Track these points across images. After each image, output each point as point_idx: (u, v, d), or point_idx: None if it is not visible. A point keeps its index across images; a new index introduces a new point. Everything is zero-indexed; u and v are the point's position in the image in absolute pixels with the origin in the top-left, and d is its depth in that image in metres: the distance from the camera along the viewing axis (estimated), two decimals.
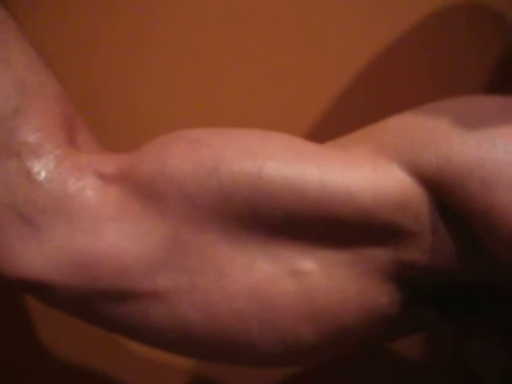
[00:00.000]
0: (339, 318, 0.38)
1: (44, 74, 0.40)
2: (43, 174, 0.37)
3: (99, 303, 0.38)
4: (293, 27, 0.55)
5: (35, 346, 0.60)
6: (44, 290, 0.38)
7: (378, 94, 0.55)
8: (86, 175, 0.38)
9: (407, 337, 0.42)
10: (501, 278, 0.37)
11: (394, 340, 0.42)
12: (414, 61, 0.55)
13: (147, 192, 0.37)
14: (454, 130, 0.36)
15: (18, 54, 0.39)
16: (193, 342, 0.39)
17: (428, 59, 0.55)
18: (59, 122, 0.39)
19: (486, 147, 0.35)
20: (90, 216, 0.37)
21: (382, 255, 0.37)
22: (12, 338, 0.60)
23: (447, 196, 0.36)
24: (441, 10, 0.54)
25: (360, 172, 0.37)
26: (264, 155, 0.37)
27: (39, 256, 0.37)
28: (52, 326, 0.60)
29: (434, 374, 0.58)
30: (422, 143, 0.36)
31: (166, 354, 0.59)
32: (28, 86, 0.38)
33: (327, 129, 0.41)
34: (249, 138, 0.38)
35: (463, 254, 0.37)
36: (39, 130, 0.38)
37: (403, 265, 0.37)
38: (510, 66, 0.55)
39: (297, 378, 0.60)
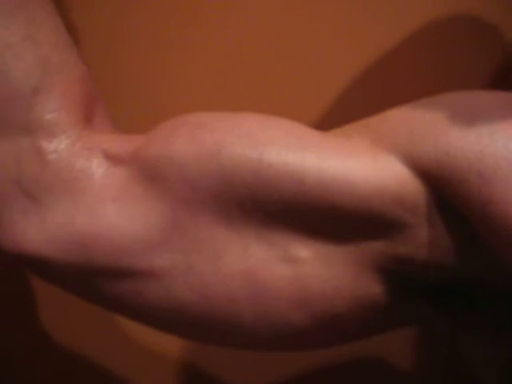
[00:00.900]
0: (331, 305, 0.38)
1: (70, 54, 0.40)
2: (53, 153, 0.38)
3: (96, 281, 0.38)
4: (296, 27, 0.56)
5: (35, 335, 0.61)
6: (43, 266, 0.38)
7: (377, 96, 0.55)
8: (94, 156, 0.38)
9: (405, 338, 0.42)
10: (497, 272, 0.37)
11: (386, 331, 0.42)
12: (413, 62, 0.55)
13: (150, 174, 0.37)
14: (452, 124, 0.36)
15: (47, 31, 0.39)
16: (186, 322, 0.39)
17: (428, 61, 0.55)
18: (78, 102, 0.39)
19: (485, 141, 0.35)
20: (92, 196, 0.37)
21: (377, 246, 0.37)
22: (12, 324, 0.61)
23: (445, 189, 0.36)
24: (442, 13, 0.54)
25: (359, 162, 0.37)
26: (265, 140, 0.37)
27: (40, 232, 0.37)
28: (51, 315, 0.60)
29: (430, 374, 0.58)
30: (420, 136, 0.36)
31: (168, 346, 0.59)
32: (52, 64, 0.38)
33: (327, 128, 0.41)
34: (252, 123, 0.38)
35: (460, 248, 0.37)
36: (56, 109, 0.38)
37: (399, 257, 0.37)
38: (508, 74, 0.55)
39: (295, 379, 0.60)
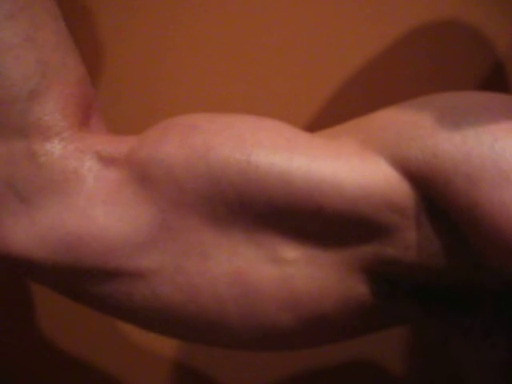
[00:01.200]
0: (318, 305, 0.38)
1: (70, 56, 0.40)
2: (46, 156, 0.38)
3: (85, 282, 0.38)
4: (289, 28, 0.56)
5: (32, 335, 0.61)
6: (31, 267, 0.38)
7: (369, 97, 0.55)
8: (86, 158, 0.38)
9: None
10: (485, 274, 0.37)
11: (375, 331, 0.42)
12: (405, 64, 0.56)
13: (141, 176, 0.38)
14: (439, 125, 0.36)
15: (48, 33, 0.39)
16: (173, 323, 0.39)
17: (420, 63, 0.55)
18: (74, 105, 0.39)
19: (472, 143, 0.35)
20: (83, 199, 0.38)
21: (365, 248, 0.37)
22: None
23: (433, 191, 0.36)
24: (435, 16, 0.55)
25: (348, 163, 0.37)
26: (254, 141, 0.37)
27: (29, 233, 0.38)
28: (49, 315, 0.61)
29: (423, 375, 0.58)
30: (407, 138, 0.37)
31: (163, 344, 0.60)
32: (50, 67, 0.38)
33: (319, 129, 0.42)
34: (242, 124, 0.39)
35: (448, 250, 0.37)
36: (51, 112, 0.38)
37: (386, 259, 0.37)
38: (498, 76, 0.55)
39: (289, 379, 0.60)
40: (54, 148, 0.38)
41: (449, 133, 0.36)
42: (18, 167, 0.38)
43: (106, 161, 0.38)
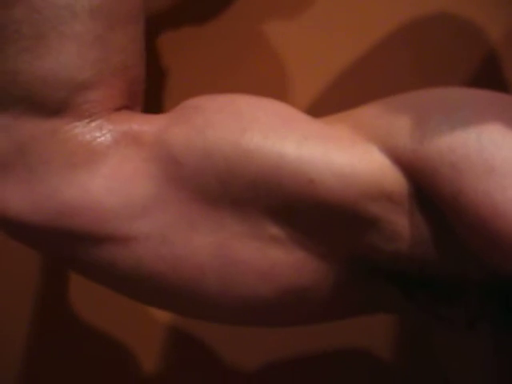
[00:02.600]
0: (298, 279, 0.39)
1: (133, 57, 0.40)
2: (66, 133, 0.38)
3: (72, 247, 0.39)
4: (291, 27, 0.56)
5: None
6: (24, 232, 0.40)
7: (359, 94, 0.55)
8: (100, 133, 0.39)
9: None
10: (470, 265, 0.38)
11: (357, 315, 0.43)
12: (393, 61, 0.56)
13: (144, 155, 0.39)
14: (428, 116, 0.37)
15: (120, 35, 0.39)
16: (156, 293, 0.40)
17: (408, 60, 0.56)
18: (120, 100, 0.40)
19: (458, 133, 0.36)
20: (85, 172, 0.38)
21: (351, 233, 0.38)
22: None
23: (420, 180, 0.37)
24: (422, 12, 0.55)
25: (340, 145, 0.37)
26: (251, 118, 0.38)
27: (25, 200, 0.38)
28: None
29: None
30: (397, 127, 0.37)
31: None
32: (109, 66, 0.39)
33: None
34: (242, 102, 0.40)
35: (435, 239, 0.37)
36: (92, 102, 0.39)
37: (372, 245, 0.38)
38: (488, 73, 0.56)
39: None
40: (77, 127, 0.39)
41: (436, 124, 0.37)
42: (37, 141, 0.38)
43: (117, 138, 0.39)
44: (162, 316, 0.60)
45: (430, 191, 0.37)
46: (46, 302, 0.62)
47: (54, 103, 0.38)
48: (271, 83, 0.57)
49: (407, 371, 0.57)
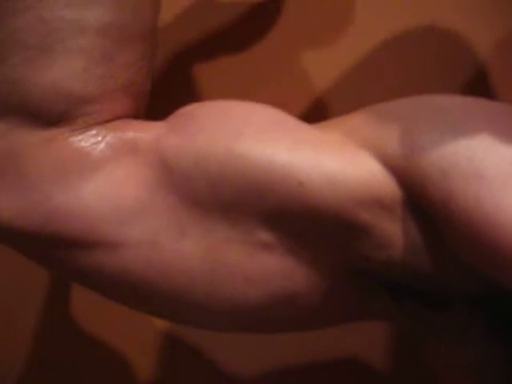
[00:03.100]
0: (289, 283, 0.39)
1: (140, 74, 0.40)
2: (61, 141, 0.38)
3: (59, 253, 0.39)
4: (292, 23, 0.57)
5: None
6: (10, 236, 0.39)
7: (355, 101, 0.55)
8: (95, 139, 0.38)
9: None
10: (460, 274, 0.38)
11: (347, 321, 0.43)
12: (393, 68, 0.56)
13: (138, 162, 0.38)
14: (418, 122, 0.37)
15: (129, 53, 0.39)
16: (145, 298, 0.40)
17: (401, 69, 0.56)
18: (121, 113, 0.39)
19: (448, 140, 0.36)
20: (77, 179, 0.38)
21: (340, 239, 0.38)
22: None
23: (411, 186, 0.37)
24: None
25: (330, 149, 0.37)
26: (243, 122, 0.38)
27: (14, 205, 0.38)
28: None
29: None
30: (388, 133, 0.37)
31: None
32: (114, 82, 0.38)
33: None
34: (233, 107, 0.40)
35: (426, 247, 0.37)
36: (92, 114, 0.38)
37: (363, 252, 0.38)
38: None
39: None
40: (72, 136, 0.38)
41: (427, 130, 0.37)
42: (30, 149, 0.38)
43: (112, 145, 0.39)
44: (160, 324, 0.60)
45: (420, 198, 0.37)
46: (46, 308, 0.61)
47: (51, 115, 0.38)
48: (265, 89, 0.57)
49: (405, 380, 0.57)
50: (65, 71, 0.37)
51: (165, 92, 0.57)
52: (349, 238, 0.38)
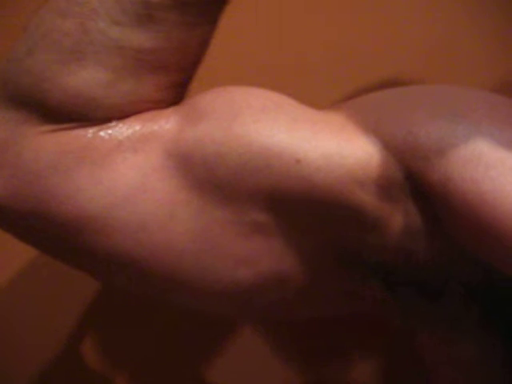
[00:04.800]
0: (278, 264, 0.38)
1: (165, 95, 0.40)
2: (64, 131, 0.38)
3: (52, 235, 0.39)
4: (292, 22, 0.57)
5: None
6: (2, 216, 0.39)
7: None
8: (103, 127, 0.38)
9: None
10: (456, 261, 0.38)
11: (340, 311, 0.42)
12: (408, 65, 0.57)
13: (138, 148, 0.38)
14: (419, 107, 0.38)
15: (160, 79, 0.39)
16: (135, 278, 0.40)
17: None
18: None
19: (448, 122, 0.36)
20: (72, 161, 0.38)
21: (337, 219, 0.38)
22: None
23: (409, 168, 0.37)
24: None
25: (329, 130, 0.38)
26: (243, 103, 0.38)
27: (7, 184, 0.38)
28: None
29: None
30: (388, 116, 0.38)
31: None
32: (139, 98, 0.38)
33: None
34: (234, 91, 0.40)
35: (422, 230, 0.37)
36: (117, 121, 0.38)
37: (359, 233, 0.38)
38: None
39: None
40: (87, 131, 0.38)
41: (426, 114, 0.37)
42: (34, 136, 0.38)
43: (112, 132, 0.38)
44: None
45: (418, 179, 0.37)
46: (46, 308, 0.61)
47: (68, 116, 0.38)
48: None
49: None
50: (91, 81, 0.37)
51: None
52: (343, 217, 0.38)
